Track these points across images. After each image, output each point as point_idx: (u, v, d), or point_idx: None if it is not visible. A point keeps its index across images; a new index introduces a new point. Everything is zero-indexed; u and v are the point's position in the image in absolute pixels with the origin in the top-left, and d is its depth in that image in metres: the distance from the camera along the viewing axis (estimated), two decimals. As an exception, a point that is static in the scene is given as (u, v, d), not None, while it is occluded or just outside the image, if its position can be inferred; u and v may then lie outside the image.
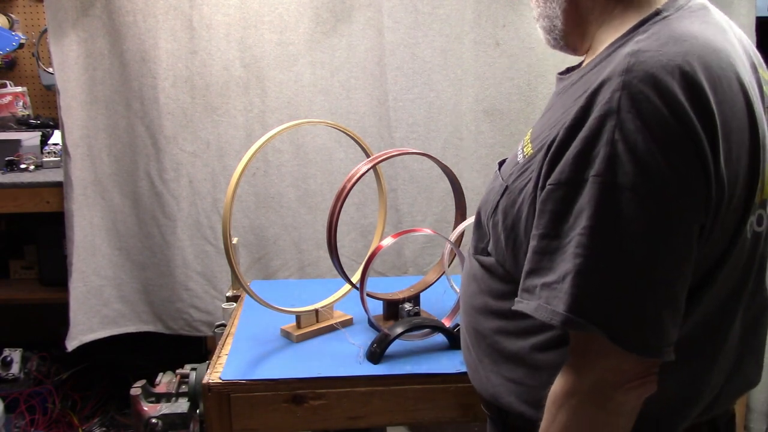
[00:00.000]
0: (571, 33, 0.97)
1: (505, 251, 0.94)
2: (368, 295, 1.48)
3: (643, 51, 0.79)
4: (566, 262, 0.79)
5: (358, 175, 1.39)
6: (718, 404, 0.94)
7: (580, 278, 0.77)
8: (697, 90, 0.76)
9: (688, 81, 0.76)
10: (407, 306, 1.48)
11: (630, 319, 0.77)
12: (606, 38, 0.91)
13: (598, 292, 0.77)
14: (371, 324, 1.47)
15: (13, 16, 2.72)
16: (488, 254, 1.00)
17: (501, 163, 1.04)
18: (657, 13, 0.86)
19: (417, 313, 1.48)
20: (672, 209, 0.76)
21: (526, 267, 0.86)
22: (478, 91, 2.16)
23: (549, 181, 0.82)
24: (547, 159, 0.83)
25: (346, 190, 1.39)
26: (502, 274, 0.97)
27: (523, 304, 0.85)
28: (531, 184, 0.88)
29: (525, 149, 0.94)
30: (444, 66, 2.13)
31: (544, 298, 0.81)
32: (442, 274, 1.56)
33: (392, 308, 1.50)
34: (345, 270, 1.49)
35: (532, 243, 0.85)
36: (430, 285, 1.58)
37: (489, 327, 1.00)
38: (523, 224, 0.89)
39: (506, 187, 0.93)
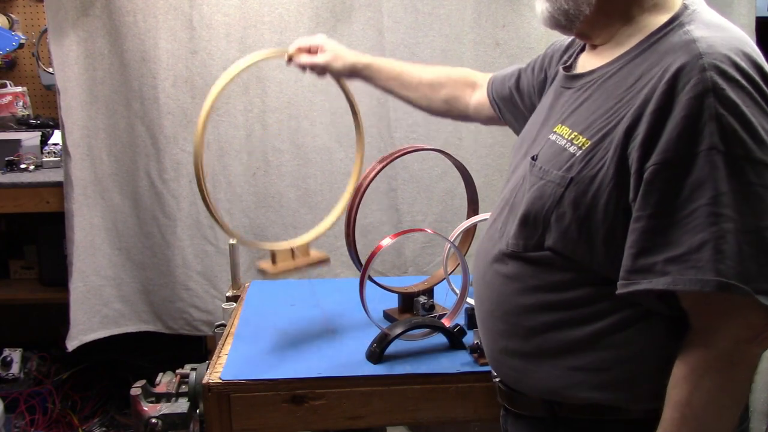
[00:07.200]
0: (593, 22, 1.00)
1: (577, 241, 0.95)
2: (384, 288, 1.52)
3: (705, 37, 0.88)
4: (696, 233, 0.84)
5: (373, 174, 1.43)
6: None
7: (722, 243, 0.83)
8: (761, 68, 0.87)
9: (752, 61, 0.87)
10: (422, 299, 1.51)
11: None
12: (633, 33, 0.97)
13: (741, 253, 0.83)
14: (385, 316, 1.52)
15: (13, 16, 2.72)
16: (542, 249, 0.99)
17: (533, 158, 1.04)
18: (686, 7, 0.95)
19: (432, 306, 1.51)
20: None
21: (633, 249, 0.89)
22: (478, 91, 2.16)
23: (650, 162, 0.86)
24: (637, 144, 0.88)
25: (363, 188, 1.42)
26: (562, 265, 0.98)
27: (641, 284, 0.88)
28: (609, 171, 0.91)
29: (575, 141, 0.96)
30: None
31: (676, 271, 0.85)
32: (452, 271, 1.56)
33: (408, 301, 1.54)
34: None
35: (639, 224, 0.88)
36: (441, 281, 1.59)
37: (545, 321, 1.00)
38: (601, 211, 0.92)
39: (571, 179, 0.94)
